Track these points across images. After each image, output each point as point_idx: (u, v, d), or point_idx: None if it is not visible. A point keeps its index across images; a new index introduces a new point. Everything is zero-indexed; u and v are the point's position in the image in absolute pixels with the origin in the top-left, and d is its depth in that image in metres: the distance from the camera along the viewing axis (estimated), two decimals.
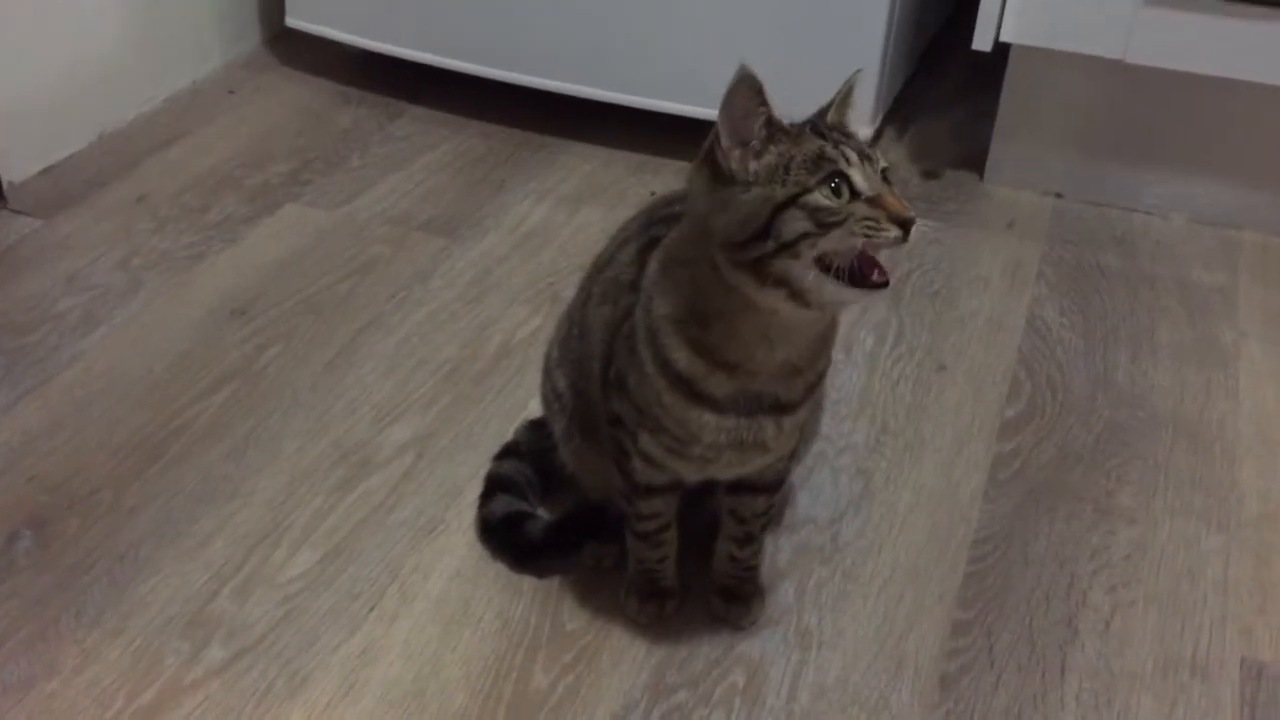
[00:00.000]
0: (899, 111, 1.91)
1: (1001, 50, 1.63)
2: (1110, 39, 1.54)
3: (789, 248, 0.80)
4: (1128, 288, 1.55)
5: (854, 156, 0.82)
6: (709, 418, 0.90)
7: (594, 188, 1.71)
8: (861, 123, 1.66)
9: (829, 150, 0.81)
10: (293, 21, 1.91)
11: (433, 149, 1.79)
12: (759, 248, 0.81)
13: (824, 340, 0.92)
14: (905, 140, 1.87)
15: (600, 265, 1.02)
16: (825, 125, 0.85)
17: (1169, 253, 1.63)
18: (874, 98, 1.65)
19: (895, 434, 1.30)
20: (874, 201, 0.81)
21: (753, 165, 0.82)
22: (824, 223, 0.80)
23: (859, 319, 1.47)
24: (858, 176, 0.81)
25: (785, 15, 1.61)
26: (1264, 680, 1.04)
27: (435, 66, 1.82)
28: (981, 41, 1.57)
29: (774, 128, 0.82)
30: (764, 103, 0.81)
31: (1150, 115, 1.66)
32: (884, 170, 0.83)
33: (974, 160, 1.79)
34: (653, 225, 0.96)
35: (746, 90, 0.81)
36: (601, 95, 1.74)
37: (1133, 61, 1.54)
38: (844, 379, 1.37)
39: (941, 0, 2.00)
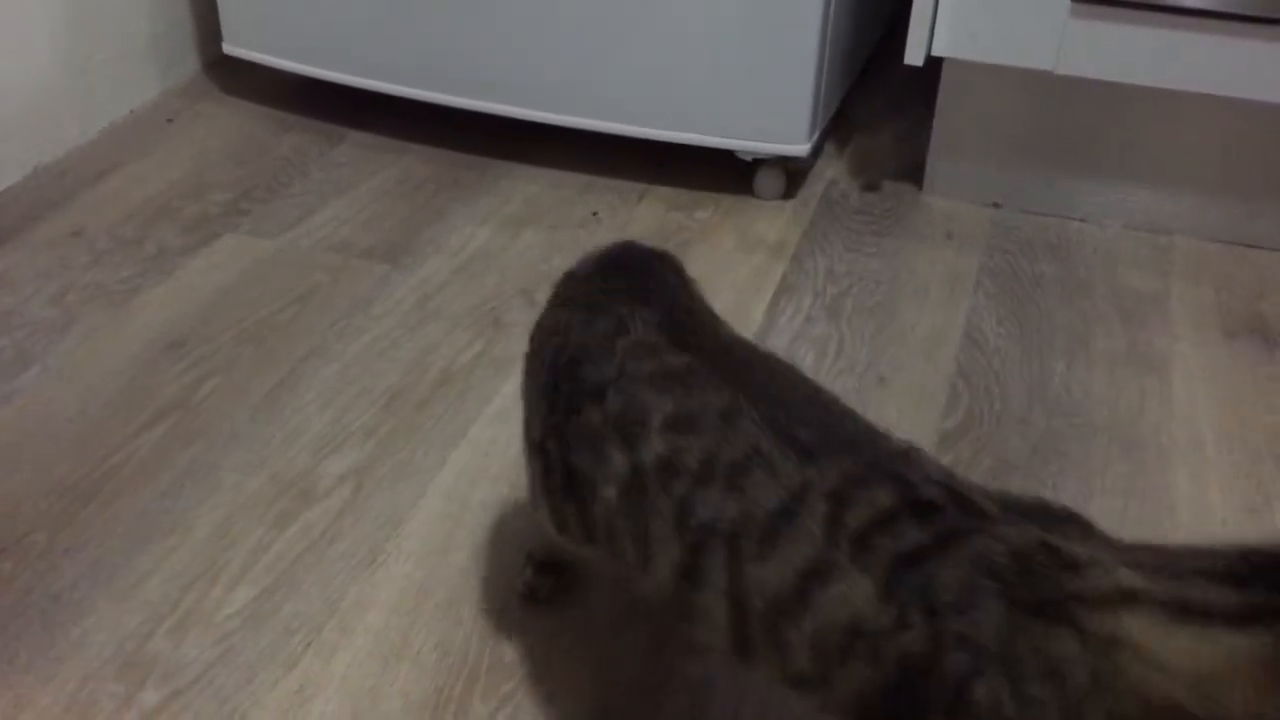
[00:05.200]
0: (839, 125, 1.92)
1: (936, 63, 1.65)
2: (1040, 51, 1.56)
3: None
4: (1064, 296, 1.57)
5: None
6: None
7: (536, 210, 1.71)
8: (797, 139, 1.67)
9: None
10: (230, 48, 1.90)
11: (374, 174, 1.78)
12: None
13: None
14: (845, 154, 1.89)
15: None
16: None
17: (1104, 260, 1.65)
18: (809, 115, 1.66)
19: None
20: None
21: None
22: None
23: (800, 332, 1.48)
24: None
25: (719, 35, 1.63)
26: None
27: (376, 91, 1.82)
28: (913, 57, 1.58)
29: None
30: None
31: (1084, 124, 1.69)
32: None
33: (913, 172, 1.80)
34: None
35: None
36: (542, 117, 1.75)
37: (1063, 73, 1.56)
38: None
39: (878, 14, 2.02)
